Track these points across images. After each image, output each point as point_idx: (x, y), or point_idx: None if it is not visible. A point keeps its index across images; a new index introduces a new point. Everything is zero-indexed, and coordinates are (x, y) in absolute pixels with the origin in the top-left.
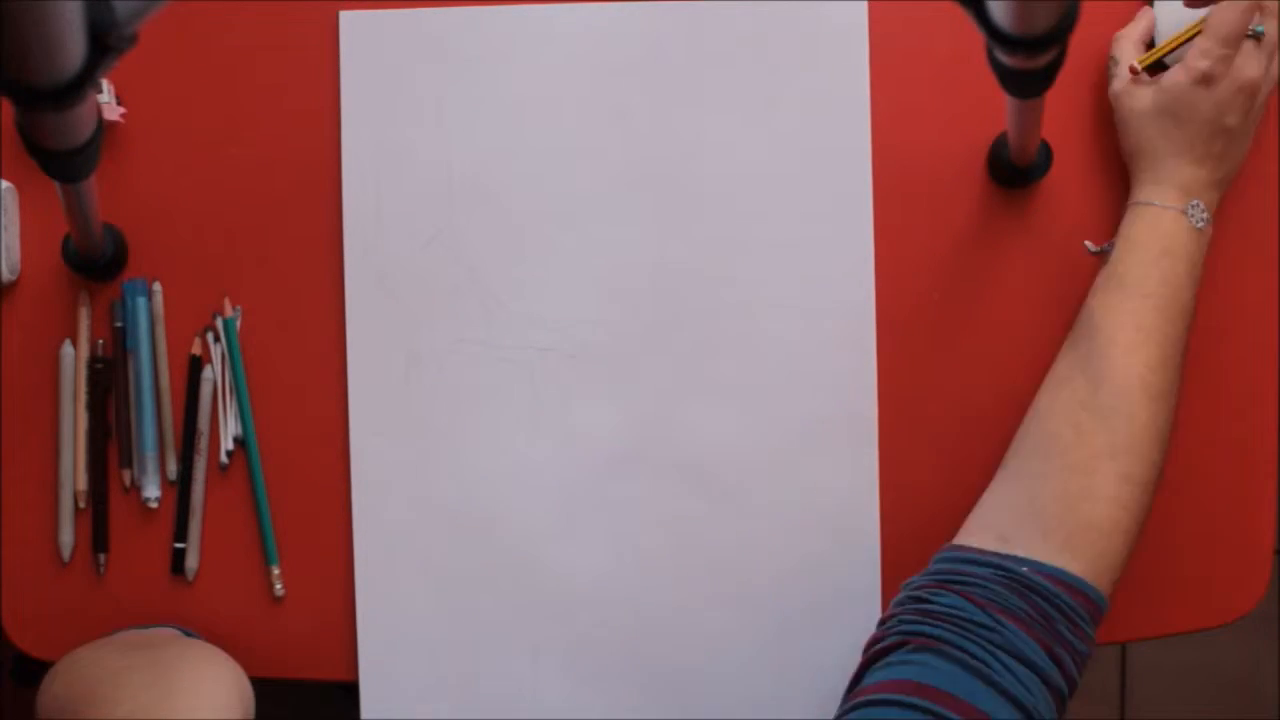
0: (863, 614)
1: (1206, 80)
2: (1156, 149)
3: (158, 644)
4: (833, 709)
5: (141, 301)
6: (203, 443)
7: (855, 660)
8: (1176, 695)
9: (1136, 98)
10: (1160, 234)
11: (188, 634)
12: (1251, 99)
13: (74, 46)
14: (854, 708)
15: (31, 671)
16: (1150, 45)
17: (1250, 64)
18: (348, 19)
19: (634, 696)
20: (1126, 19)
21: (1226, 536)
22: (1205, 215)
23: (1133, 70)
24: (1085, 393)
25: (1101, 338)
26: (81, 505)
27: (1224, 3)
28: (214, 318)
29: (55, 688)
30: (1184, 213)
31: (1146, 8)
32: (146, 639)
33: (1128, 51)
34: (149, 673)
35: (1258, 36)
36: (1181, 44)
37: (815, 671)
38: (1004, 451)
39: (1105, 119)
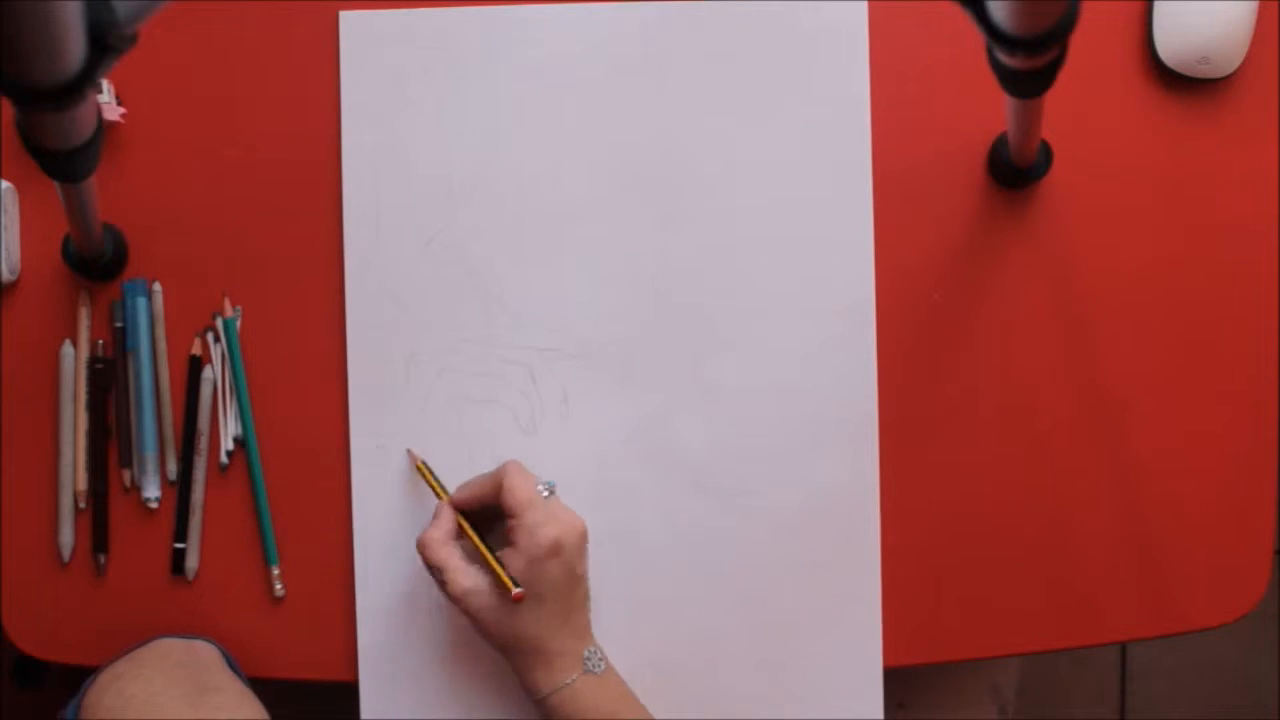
0: (863, 614)
1: (554, 550)
2: (533, 634)
3: (210, 680)
4: (832, 709)
5: (141, 301)
6: (203, 443)
7: (855, 660)
8: (1176, 695)
9: (483, 594)
10: (589, 705)
11: (225, 654)
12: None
13: (74, 46)
14: None
15: (32, 671)
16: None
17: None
18: (348, 19)
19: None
20: (1126, 19)
21: (1226, 536)
22: (600, 655)
23: (518, 599)
24: None
25: None
26: (81, 505)
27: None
28: (214, 318)
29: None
30: (586, 671)
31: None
32: (198, 671)
33: (450, 555)
34: None
35: (551, 489)
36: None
37: (815, 671)
38: (1004, 450)
39: (1105, 119)
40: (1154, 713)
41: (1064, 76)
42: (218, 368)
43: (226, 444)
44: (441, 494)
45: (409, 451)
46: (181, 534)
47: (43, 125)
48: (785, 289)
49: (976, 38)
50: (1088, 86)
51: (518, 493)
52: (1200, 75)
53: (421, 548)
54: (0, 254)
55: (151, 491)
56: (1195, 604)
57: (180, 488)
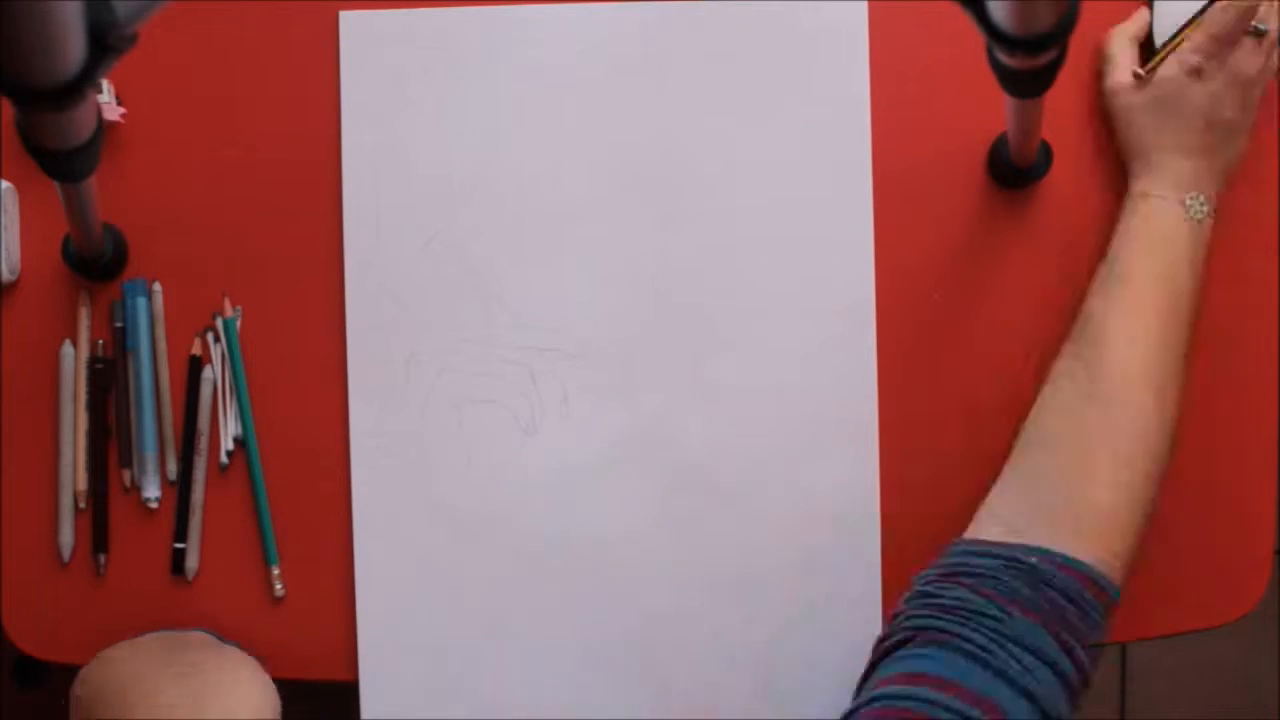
0: (863, 614)
1: (1199, 73)
2: (1152, 142)
3: (191, 646)
4: (833, 708)
5: (141, 301)
6: (203, 443)
7: (855, 660)
8: (1176, 695)
9: (1130, 92)
10: (1157, 225)
11: (220, 639)
12: (1248, 93)
13: (74, 46)
14: (863, 704)
15: (32, 671)
16: (1146, 42)
17: (1247, 59)
18: (348, 19)
19: (634, 696)
20: (1126, 19)
21: (1226, 536)
22: (1205, 208)
23: (1136, 76)
24: (1086, 384)
25: (1101, 330)
26: (81, 505)
27: (1222, 1)
28: (214, 318)
29: (85, 689)
30: (1182, 204)
31: (1143, 8)
32: (181, 641)
33: (1123, 47)
34: (181, 678)
35: (1260, 35)
36: (1181, 45)
37: (815, 671)
38: (1005, 450)
39: (1105, 119)
40: (1154, 713)
41: (1064, 76)
42: (218, 368)
43: (226, 444)
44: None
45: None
46: (181, 534)
47: (43, 125)
48: (785, 289)
49: (976, 38)
50: (1088, 86)
51: (1221, 23)
52: None
53: (1110, 36)
54: (0, 254)
55: (151, 491)
56: (1195, 604)
57: (180, 488)
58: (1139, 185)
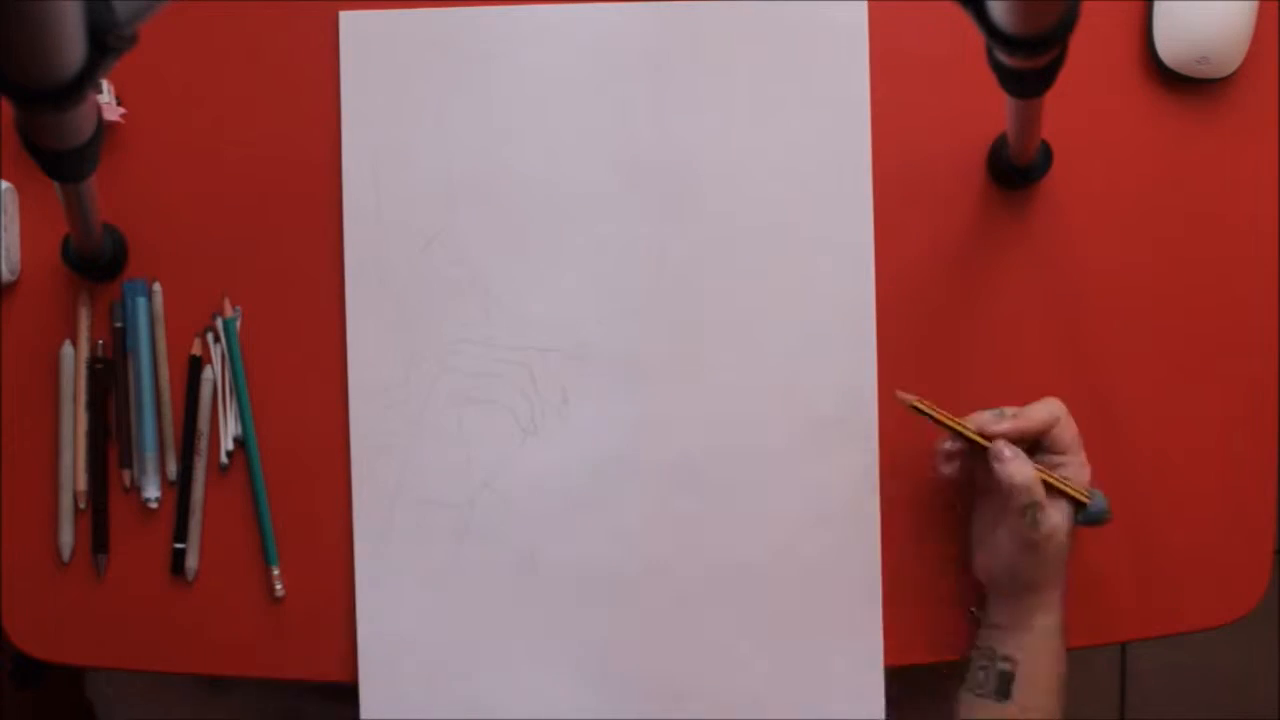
0: (862, 614)
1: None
2: (1051, 575)
3: None
4: (833, 709)
5: (141, 301)
6: (203, 443)
7: (855, 659)
8: (1176, 695)
9: (1061, 515)
10: (1061, 655)
11: None
12: None
13: (74, 46)
14: None
15: (32, 671)
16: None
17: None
18: (348, 19)
19: (634, 696)
20: (1126, 19)
21: (1226, 536)
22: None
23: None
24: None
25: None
26: (81, 505)
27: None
28: (214, 318)
29: None
30: (1058, 623)
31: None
32: None
33: (1036, 484)
34: None
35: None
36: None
37: (815, 671)
38: None
39: (1105, 119)
40: (1154, 713)
41: (1064, 76)
42: (218, 368)
43: (226, 444)
44: (970, 433)
45: (896, 394)
46: (181, 534)
47: (43, 125)
48: (785, 289)
49: (976, 38)
50: (1088, 86)
51: (1072, 430)
52: (1200, 75)
53: (1031, 487)
54: (0, 254)
55: (151, 492)
56: (1195, 604)
57: (180, 488)
58: (1054, 616)
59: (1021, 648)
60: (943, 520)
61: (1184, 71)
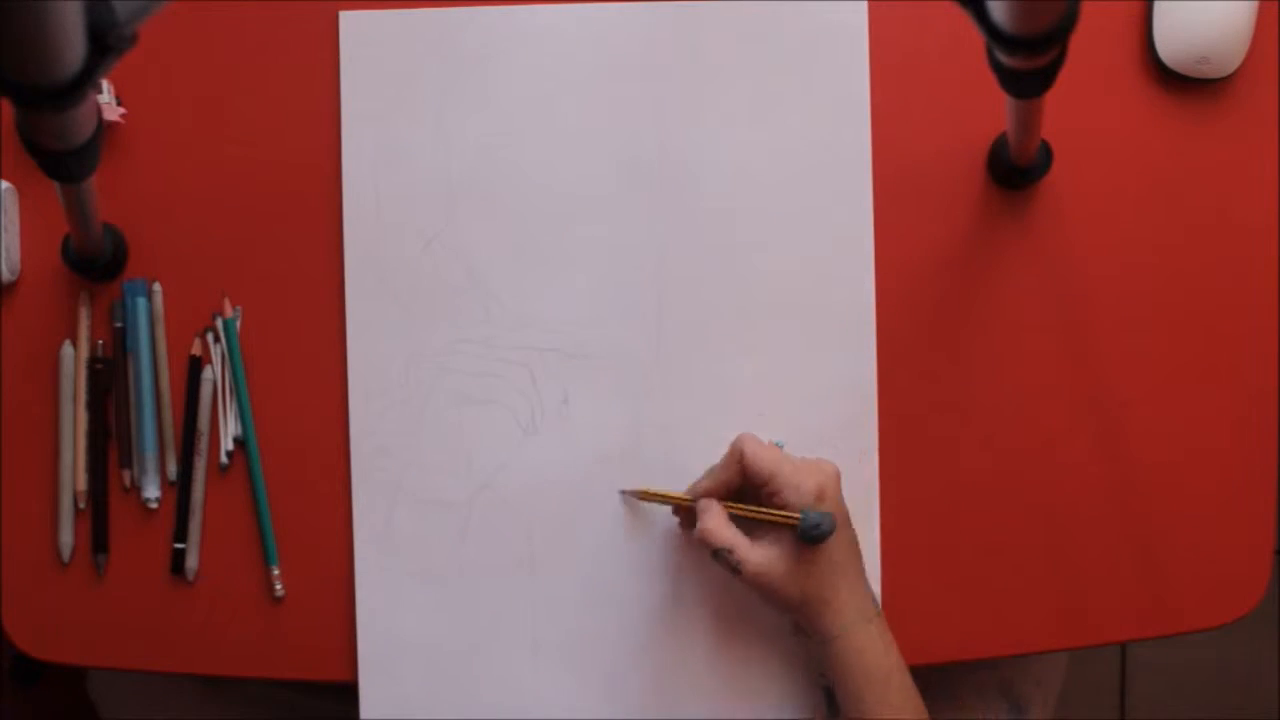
0: None
1: (820, 496)
2: (819, 586)
3: None
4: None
5: (141, 301)
6: (203, 443)
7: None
8: (1176, 695)
9: (764, 550)
10: (871, 655)
11: None
12: None
13: (74, 46)
14: None
15: (32, 671)
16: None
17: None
18: (348, 19)
19: (634, 696)
20: (1126, 19)
21: (1226, 536)
22: (874, 598)
23: (816, 534)
24: None
25: None
26: (81, 505)
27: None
28: (214, 318)
29: None
30: (870, 615)
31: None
32: None
33: (725, 526)
34: None
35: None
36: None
37: (815, 672)
38: (1005, 449)
39: (1105, 119)
40: (1154, 713)
41: (1064, 76)
42: (218, 368)
43: (226, 444)
44: (681, 499)
45: (622, 493)
46: (181, 534)
47: (43, 125)
48: (785, 288)
49: (976, 38)
50: (1088, 86)
51: (764, 457)
52: (1200, 75)
53: (706, 536)
54: (0, 254)
55: (151, 491)
56: (1195, 604)
57: (180, 488)
58: (840, 622)
59: (826, 661)
60: (942, 521)
61: (1184, 71)
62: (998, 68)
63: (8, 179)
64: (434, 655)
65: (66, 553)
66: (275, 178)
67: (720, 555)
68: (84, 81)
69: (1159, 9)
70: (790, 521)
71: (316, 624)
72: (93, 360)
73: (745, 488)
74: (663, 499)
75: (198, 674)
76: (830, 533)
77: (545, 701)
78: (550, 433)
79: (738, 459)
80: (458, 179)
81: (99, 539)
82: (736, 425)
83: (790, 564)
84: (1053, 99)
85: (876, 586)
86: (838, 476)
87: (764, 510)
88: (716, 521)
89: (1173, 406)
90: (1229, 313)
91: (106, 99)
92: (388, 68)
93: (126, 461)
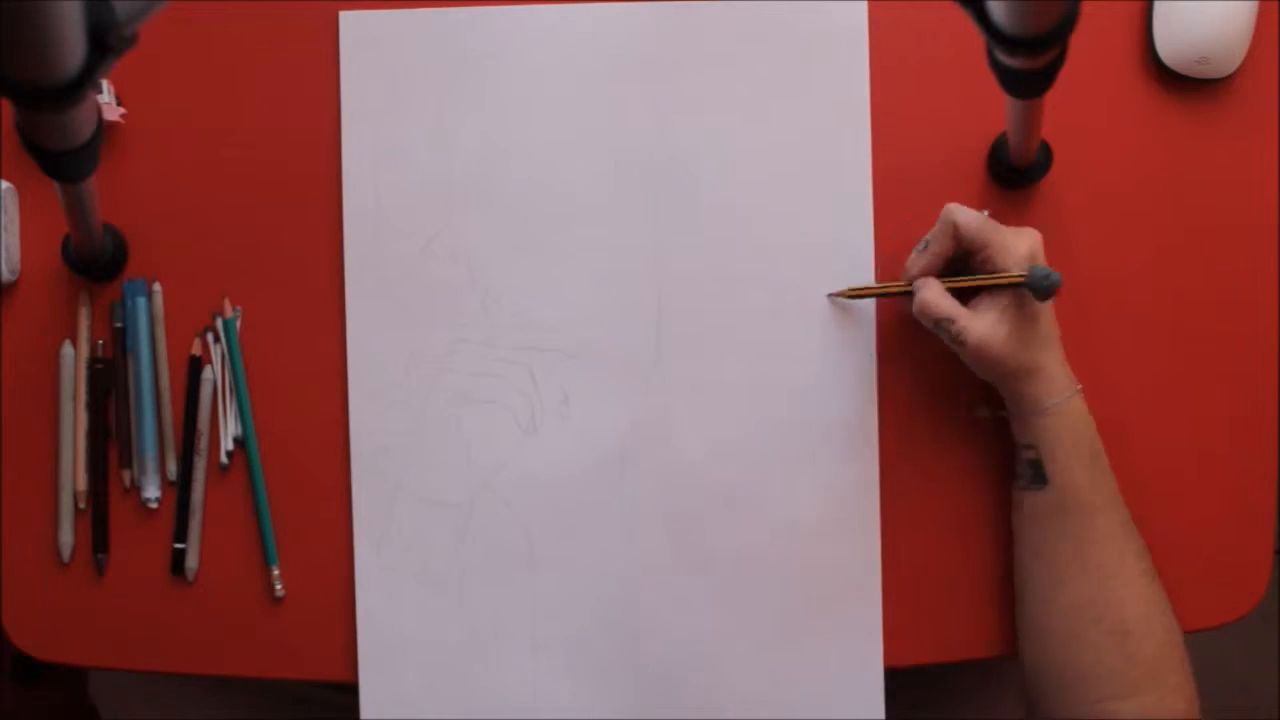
0: (862, 614)
1: (1033, 257)
2: (1034, 356)
3: None
4: (833, 709)
5: (141, 302)
6: (203, 443)
7: (855, 660)
8: None
9: (984, 319)
10: (1081, 428)
11: None
12: None
13: (74, 46)
14: None
15: (32, 671)
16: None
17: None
18: (348, 19)
19: (634, 696)
20: (1126, 19)
21: (1226, 536)
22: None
23: (1046, 289)
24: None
25: (1098, 572)
26: (81, 505)
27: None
28: (214, 318)
29: None
30: (1075, 392)
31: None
32: None
33: (942, 296)
34: None
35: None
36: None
37: (815, 671)
38: (1004, 450)
39: (1105, 119)
40: None
41: (1064, 76)
42: (218, 368)
43: (226, 444)
44: (894, 288)
45: (830, 296)
46: (181, 534)
47: (43, 125)
48: (785, 288)
49: (976, 38)
50: (1088, 86)
51: (974, 222)
52: (1200, 75)
53: (926, 308)
54: (0, 254)
55: (151, 491)
56: (1195, 604)
57: (180, 488)
58: (1045, 395)
59: (1037, 432)
60: (943, 519)
61: (1184, 71)
62: (998, 68)
63: (8, 179)
64: (434, 655)
65: (66, 553)
66: (275, 178)
67: (941, 326)
68: (84, 81)
69: (1159, 9)
70: (1016, 281)
71: (316, 624)
72: (93, 360)
73: (954, 262)
74: (876, 292)
75: (198, 674)
76: (1059, 284)
77: (545, 701)
78: (550, 432)
79: (950, 230)
80: (458, 179)
81: (99, 539)
82: (736, 425)
83: (1008, 330)
84: (1053, 99)
85: (876, 585)
86: (1041, 241)
87: (986, 276)
88: (934, 293)
89: (1173, 407)
90: (1229, 313)
91: (106, 99)
92: (387, 68)
93: (126, 461)
